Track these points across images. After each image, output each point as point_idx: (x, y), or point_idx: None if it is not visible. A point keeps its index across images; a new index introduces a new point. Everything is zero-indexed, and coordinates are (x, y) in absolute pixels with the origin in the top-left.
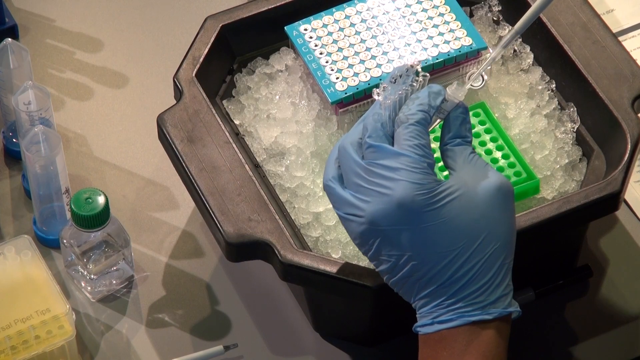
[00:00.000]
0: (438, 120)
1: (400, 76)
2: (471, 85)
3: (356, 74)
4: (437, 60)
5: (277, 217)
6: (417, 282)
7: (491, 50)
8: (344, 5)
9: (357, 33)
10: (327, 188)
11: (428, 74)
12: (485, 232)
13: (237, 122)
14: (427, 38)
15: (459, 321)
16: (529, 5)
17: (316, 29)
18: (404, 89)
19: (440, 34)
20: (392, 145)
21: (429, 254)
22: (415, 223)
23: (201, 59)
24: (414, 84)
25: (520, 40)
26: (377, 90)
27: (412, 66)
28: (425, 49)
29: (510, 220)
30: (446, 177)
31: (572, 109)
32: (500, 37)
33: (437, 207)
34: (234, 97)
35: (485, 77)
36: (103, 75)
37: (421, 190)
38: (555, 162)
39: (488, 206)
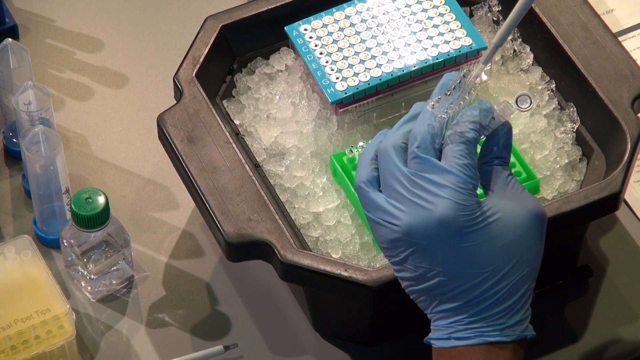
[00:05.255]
0: (482, 137)
1: (454, 88)
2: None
3: (356, 74)
4: (437, 60)
5: (277, 217)
6: (440, 297)
7: None
8: (344, 5)
9: (357, 33)
10: (359, 190)
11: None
12: (517, 257)
13: (237, 122)
14: (427, 38)
15: (476, 340)
16: None
17: (316, 29)
18: (459, 103)
19: (440, 34)
20: (439, 159)
21: (459, 273)
22: (452, 242)
23: (201, 59)
24: (467, 97)
25: (520, 40)
26: (432, 102)
27: (464, 76)
28: (425, 49)
29: (540, 247)
30: (481, 194)
31: (572, 109)
32: None
33: (476, 229)
34: (234, 97)
35: (485, 77)
36: (103, 75)
37: (464, 212)
38: (555, 162)
39: (523, 233)
